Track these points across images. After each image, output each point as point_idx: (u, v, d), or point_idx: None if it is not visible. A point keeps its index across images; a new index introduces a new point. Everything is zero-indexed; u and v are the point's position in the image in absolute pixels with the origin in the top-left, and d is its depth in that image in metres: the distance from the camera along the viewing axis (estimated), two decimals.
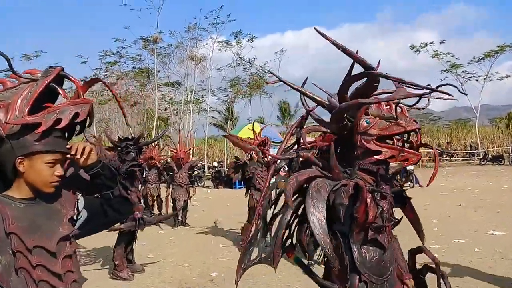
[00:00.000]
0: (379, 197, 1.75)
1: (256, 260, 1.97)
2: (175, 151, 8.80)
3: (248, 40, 28.03)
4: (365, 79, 1.67)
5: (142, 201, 8.59)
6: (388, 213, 1.78)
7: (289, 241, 1.94)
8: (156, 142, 9.29)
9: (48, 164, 1.39)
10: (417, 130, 1.75)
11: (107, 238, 6.00)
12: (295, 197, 1.81)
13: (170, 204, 9.06)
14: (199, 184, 19.10)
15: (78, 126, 1.49)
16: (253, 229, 2.02)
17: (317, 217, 1.65)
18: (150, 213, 9.60)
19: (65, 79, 1.51)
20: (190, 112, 28.88)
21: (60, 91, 1.44)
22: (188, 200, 8.96)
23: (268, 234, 1.96)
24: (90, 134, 6.27)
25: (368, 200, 1.68)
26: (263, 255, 1.96)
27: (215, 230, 8.58)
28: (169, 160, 9.36)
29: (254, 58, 28.50)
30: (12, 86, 1.45)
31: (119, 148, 5.10)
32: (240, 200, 9.27)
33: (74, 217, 1.52)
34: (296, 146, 2.06)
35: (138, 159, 5.08)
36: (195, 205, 12.12)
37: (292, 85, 1.93)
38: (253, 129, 6.93)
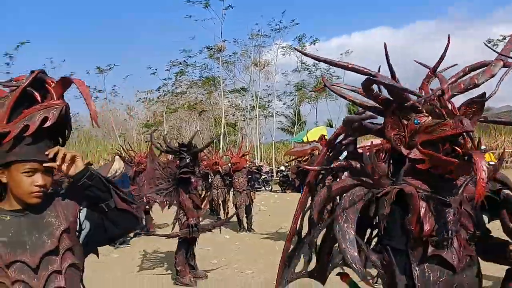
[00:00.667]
0: (440, 206, 1.45)
1: (301, 274, 1.84)
2: (232, 156, 8.81)
3: (312, 43, 27.66)
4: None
5: (207, 206, 8.71)
6: (455, 225, 1.46)
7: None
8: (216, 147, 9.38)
9: (25, 174, 1.31)
10: (465, 133, 1.37)
11: (170, 243, 6.07)
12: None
13: (233, 209, 9.04)
14: (267, 188, 19.05)
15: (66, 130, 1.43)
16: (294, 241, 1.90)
17: (345, 229, 1.47)
18: (217, 218, 9.69)
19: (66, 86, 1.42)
20: (256, 117, 29.08)
21: (36, 95, 1.35)
22: (251, 205, 8.87)
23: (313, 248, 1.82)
24: (155, 140, 6.38)
25: (423, 210, 1.42)
26: (308, 269, 1.82)
27: (281, 235, 8.40)
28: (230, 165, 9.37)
29: (318, 61, 27.96)
30: (3, 96, 1.39)
31: (176, 154, 5.17)
32: None
33: (77, 228, 1.42)
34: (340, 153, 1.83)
35: (192, 165, 5.07)
36: (262, 209, 12.05)
37: (335, 90, 1.72)
38: (304, 136, 6.68)
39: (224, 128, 27.81)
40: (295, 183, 7.14)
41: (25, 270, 1.28)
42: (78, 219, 1.43)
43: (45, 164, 1.34)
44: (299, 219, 1.89)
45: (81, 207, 1.45)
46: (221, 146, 26.22)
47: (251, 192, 8.96)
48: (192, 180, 5.10)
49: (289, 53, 28.05)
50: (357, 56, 31.22)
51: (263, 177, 19.19)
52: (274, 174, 24.54)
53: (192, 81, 29.85)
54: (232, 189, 8.90)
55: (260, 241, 7.96)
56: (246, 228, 8.90)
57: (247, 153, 9.89)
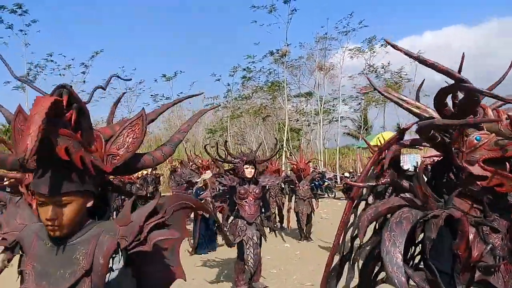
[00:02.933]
0: (488, 231, 1.43)
1: None
2: (295, 163, 8.60)
3: (382, 45, 26.70)
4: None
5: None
6: (503, 250, 1.44)
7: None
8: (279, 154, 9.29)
9: (39, 206, 1.25)
10: None
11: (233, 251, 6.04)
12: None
13: (294, 218, 8.86)
14: (330, 195, 18.61)
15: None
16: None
17: (392, 253, 1.47)
18: (274, 225, 9.57)
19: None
20: (321, 122, 28.64)
21: None
22: (312, 214, 8.64)
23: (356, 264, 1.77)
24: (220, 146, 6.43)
25: (471, 236, 1.40)
26: (351, 286, 1.82)
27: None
28: (289, 173, 9.14)
29: (388, 63, 27.01)
30: None
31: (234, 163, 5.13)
32: None
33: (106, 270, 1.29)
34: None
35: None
36: (324, 217, 11.75)
37: (392, 97, 1.68)
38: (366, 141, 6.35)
39: (287, 133, 27.68)
40: None
41: None
42: (110, 260, 1.30)
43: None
44: (341, 236, 1.87)
45: (120, 248, 1.30)
46: (283, 152, 26.11)
47: (314, 200, 8.74)
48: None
49: (357, 55, 27.34)
50: (430, 58, 29.52)
51: (326, 183, 18.79)
52: (338, 180, 23.98)
53: (257, 86, 30.09)
54: (294, 197, 8.72)
55: (321, 251, 7.71)
56: (304, 237, 8.69)
57: (311, 159, 9.66)
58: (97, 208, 1.40)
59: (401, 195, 1.65)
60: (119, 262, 1.32)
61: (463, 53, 1.53)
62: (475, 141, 1.47)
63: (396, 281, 1.45)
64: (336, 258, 2.10)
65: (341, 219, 1.88)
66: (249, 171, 5.04)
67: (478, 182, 1.44)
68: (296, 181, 8.39)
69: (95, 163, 1.26)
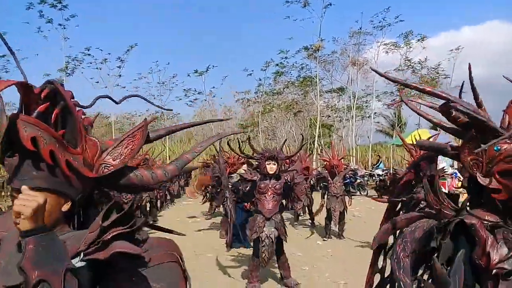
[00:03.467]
0: (508, 235, 1.38)
1: None
2: (327, 159, 8.43)
3: (419, 40, 25.89)
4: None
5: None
6: None
7: None
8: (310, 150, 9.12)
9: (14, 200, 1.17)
10: None
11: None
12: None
13: (324, 214, 8.71)
14: (362, 193, 18.28)
15: None
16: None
17: (401, 257, 1.55)
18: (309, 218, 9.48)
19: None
20: (353, 118, 28.16)
21: None
22: (345, 211, 8.47)
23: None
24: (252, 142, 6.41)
25: (489, 240, 1.34)
26: None
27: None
28: (320, 170, 8.92)
29: (425, 59, 26.16)
30: None
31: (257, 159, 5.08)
32: None
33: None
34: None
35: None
36: (357, 215, 11.54)
37: (413, 107, 1.76)
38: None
39: (319, 129, 27.38)
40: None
41: None
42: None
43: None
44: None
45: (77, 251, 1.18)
46: (315, 148, 25.86)
47: (347, 198, 8.57)
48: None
49: (392, 50, 26.63)
50: (468, 54, 28.40)
51: (358, 181, 18.46)
52: (370, 178, 23.54)
53: (289, 81, 29.88)
54: (326, 194, 8.56)
55: (354, 249, 7.57)
56: (337, 235, 8.53)
57: (344, 156, 9.45)
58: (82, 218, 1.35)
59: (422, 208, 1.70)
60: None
61: (469, 64, 1.52)
62: (494, 151, 1.42)
63: (402, 283, 1.52)
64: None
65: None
66: (270, 167, 4.97)
67: (494, 195, 1.41)
68: (329, 178, 8.23)
69: (73, 164, 1.19)
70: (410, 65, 26.55)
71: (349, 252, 7.34)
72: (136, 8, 56.63)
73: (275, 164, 4.97)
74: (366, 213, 12.79)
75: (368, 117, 29.44)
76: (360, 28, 26.31)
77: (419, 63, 26.32)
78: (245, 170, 6.12)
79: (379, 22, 25.55)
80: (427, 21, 52.13)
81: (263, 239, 4.88)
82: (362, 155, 28.93)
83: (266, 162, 4.96)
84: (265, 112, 30.20)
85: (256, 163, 5.12)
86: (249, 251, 6.94)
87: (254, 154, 5.28)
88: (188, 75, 33.22)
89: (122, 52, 26.13)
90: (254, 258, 5.11)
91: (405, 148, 6.60)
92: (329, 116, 31.78)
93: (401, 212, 2.01)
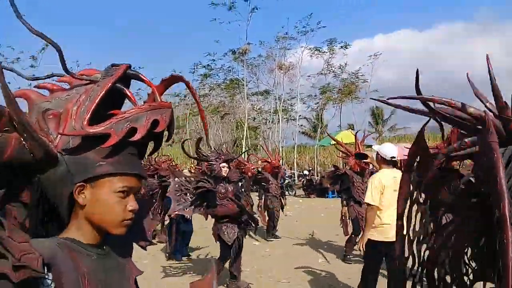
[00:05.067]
0: None
1: None
2: (269, 160, 8.57)
3: (342, 47, 27.28)
4: None
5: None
6: None
7: None
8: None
9: (119, 193, 0.98)
10: None
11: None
12: None
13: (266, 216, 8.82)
14: (290, 193, 18.80)
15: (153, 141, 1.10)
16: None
17: None
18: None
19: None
20: (279, 121, 28.86)
21: (128, 93, 1.08)
22: (281, 211, 8.66)
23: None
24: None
25: None
26: None
27: (312, 242, 8.18)
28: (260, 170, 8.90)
29: (345, 64, 27.63)
30: (61, 92, 1.10)
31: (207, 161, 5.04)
32: (335, 211, 8.77)
33: None
34: None
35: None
36: (288, 215, 11.84)
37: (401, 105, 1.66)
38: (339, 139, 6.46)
39: (246, 131, 27.66)
40: (329, 188, 6.86)
41: None
42: None
43: (142, 182, 1.05)
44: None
45: None
46: (243, 150, 26.09)
47: (282, 198, 8.76)
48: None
49: (316, 55, 27.75)
50: (384, 59, 30.52)
51: (286, 181, 18.96)
52: (296, 178, 24.29)
53: (216, 83, 29.84)
54: (264, 194, 8.65)
55: (291, 248, 7.75)
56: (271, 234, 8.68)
57: (279, 158, 9.63)
58: None
59: None
60: None
61: (417, 69, 1.54)
62: None
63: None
64: None
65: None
66: (225, 170, 5.01)
67: None
68: (270, 179, 8.33)
69: None
70: (332, 69, 27.87)
71: (287, 251, 7.50)
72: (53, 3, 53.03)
73: (227, 167, 5.03)
74: (296, 212, 13.19)
75: (293, 119, 30.34)
76: (286, 33, 27.11)
77: (340, 68, 27.74)
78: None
79: (303, 28, 26.53)
80: (346, 28, 55.21)
81: (232, 242, 4.94)
82: (287, 156, 29.73)
83: (221, 165, 4.95)
84: (194, 115, 29.79)
85: (209, 165, 5.03)
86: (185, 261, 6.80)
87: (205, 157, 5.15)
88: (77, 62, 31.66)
89: (36, 50, 24.35)
90: (219, 263, 5.04)
91: (339, 147, 6.95)
92: (255, 119, 32.25)
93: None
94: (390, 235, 3.90)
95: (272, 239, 8.53)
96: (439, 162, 1.57)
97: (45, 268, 0.86)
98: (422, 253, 1.66)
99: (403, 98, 1.63)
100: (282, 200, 8.57)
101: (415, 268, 1.69)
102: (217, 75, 29.40)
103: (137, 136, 0.97)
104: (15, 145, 0.90)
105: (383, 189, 4.10)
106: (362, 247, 4.26)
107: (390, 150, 4.25)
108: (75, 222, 1.00)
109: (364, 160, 5.76)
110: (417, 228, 1.67)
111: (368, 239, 4.20)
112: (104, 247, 1.03)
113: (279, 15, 50.62)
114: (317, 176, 22.85)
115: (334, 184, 6.68)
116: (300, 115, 30.95)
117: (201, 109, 1.20)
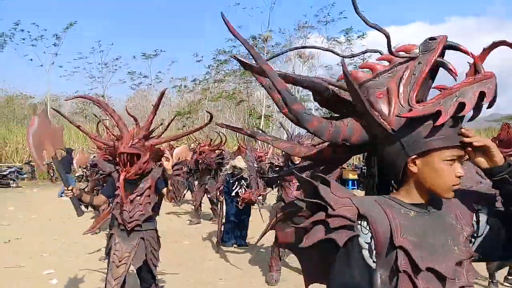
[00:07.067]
0: None
1: None
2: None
3: (358, 37, 26.92)
4: None
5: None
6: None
7: None
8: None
9: (447, 162, 1.10)
10: None
11: None
12: None
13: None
14: None
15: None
16: None
17: None
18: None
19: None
20: None
21: (451, 67, 1.10)
22: None
23: None
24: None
25: None
26: None
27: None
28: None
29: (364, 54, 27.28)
30: (383, 70, 1.18)
31: None
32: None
33: (474, 235, 1.19)
34: None
35: None
36: None
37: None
38: None
39: (263, 119, 27.51)
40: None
41: (433, 281, 1.07)
42: (475, 224, 1.19)
43: (463, 151, 1.13)
44: None
45: (480, 209, 1.20)
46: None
47: None
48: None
49: (334, 46, 27.42)
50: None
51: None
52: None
53: (232, 70, 29.59)
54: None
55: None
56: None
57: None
58: None
59: None
60: None
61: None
62: None
63: None
64: None
65: None
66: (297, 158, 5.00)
67: None
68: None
69: None
70: (351, 62, 27.58)
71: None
72: None
73: None
74: None
75: (309, 109, 30.16)
76: (306, 22, 26.78)
77: (361, 59, 27.39)
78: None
79: (324, 17, 26.18)
80: (359, 19, 54.55)
81: None
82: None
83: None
84: (209, 100, 29.65)
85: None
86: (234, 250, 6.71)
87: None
88: (134, 57, 31.63)
89: (60, 29, 24.24)
90: (274, 249, 5.13)
91: None
92: (269, 107, 32.09)
93: None
94: None
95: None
96: None
97: (362, 219, 1.11)
98: None
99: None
100: None
101: None
102: (234, 62, 29.18)
103: (466, 111, 1.05)
104: (359, 130, 1.15)
105: None
106: None
107: None
108: (405, 186, 1.17)
109: None
110: None
111: None
112: (428, 208, 1.16)
113: (300, 2, 49.68)
114: None
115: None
116: (316, 106, 30.77)
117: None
